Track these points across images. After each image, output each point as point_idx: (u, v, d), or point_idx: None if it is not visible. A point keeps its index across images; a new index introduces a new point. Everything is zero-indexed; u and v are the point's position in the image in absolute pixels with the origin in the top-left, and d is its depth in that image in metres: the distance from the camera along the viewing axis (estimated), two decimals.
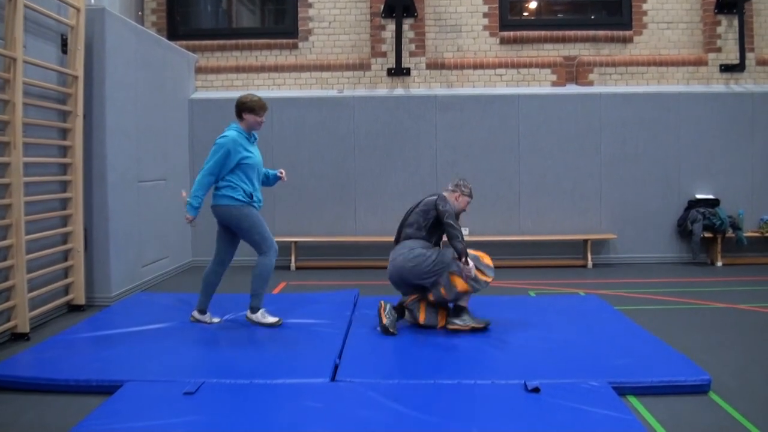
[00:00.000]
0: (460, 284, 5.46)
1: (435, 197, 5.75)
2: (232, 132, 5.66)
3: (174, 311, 6.39)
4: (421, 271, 5.49)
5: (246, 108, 5.69)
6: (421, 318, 5.69)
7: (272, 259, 5.77)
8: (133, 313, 6.31)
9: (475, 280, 5.48)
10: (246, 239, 5.78)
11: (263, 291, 5.82)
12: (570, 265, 9.37)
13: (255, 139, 5.85)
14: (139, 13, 9.93)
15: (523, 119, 9.48)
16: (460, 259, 5.42)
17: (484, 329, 5.56)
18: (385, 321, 5.49)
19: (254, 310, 5.81)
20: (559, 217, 9.56)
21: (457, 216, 5.75)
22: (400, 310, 5.74)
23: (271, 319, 5.77)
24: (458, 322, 5.55)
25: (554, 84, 9.82)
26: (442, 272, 5.47)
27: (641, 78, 9.87)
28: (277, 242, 9.50)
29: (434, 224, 5.68)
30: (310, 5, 10.05)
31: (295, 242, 9.46)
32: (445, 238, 5.69)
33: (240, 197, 5.59)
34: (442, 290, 5.50)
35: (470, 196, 5.91)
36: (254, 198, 5.69)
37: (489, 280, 5.57)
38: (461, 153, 9.56)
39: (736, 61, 9.71)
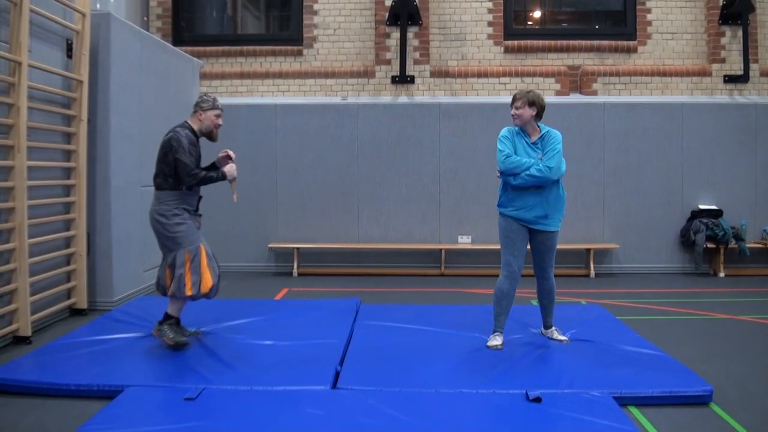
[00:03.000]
0: (188, 279, 5.16)
1: (169, 134, 5.27)
2: None
3: None
4: (161, 234, 5.27)
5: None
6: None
7: None
8: (134, 318, 6.31)
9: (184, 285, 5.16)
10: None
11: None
12: (572, 275, 9.36)
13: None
14: (145, 18, 9.96)
15: None
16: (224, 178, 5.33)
17: (180, 346, 5.24)
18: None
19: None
20: (562, 225, 9.49)
21: (210, 135, 5.44)
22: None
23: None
24: (157, 332, 5.32)
25: (558, 93, 9.82)
26: (177, 248, 5.21)
27: (645, 88, 9.87)
28: (280, 248, 9.62)
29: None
30: (315, 12, 10.07)
31: (298, 248, 9.47)
32: None
33: None
34: (167, 270, 5.24)
35: (214, 107, 5.40)
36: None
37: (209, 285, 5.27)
38: (464, 161, 9.56)
39: (740, 72, 9.71)
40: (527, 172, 5.14)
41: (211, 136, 5.46)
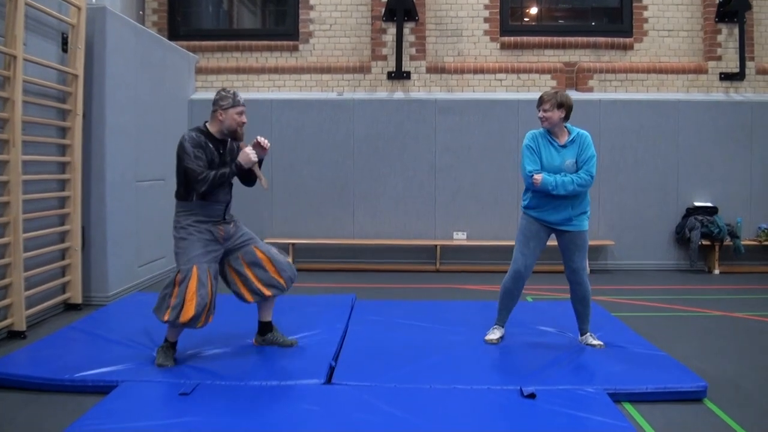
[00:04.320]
0: (171, 302, 4.71)
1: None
2: None
3: None
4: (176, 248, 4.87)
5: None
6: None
7: None
8: (129, 313, 6.30)
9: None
10: None
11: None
12: None
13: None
14: (140, 12, 9.93)
15: (523, 124, 9.47)
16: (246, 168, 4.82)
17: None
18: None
19: None
20: None
21: (235, 134, 4.91)
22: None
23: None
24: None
25: (554, 90, 9.81)
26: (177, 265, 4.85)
27: (641, 85, 9.88)
28: (275, 244, 9.58)
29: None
30: (311, 7, 10.05)
31: (293, 244, 9.46)
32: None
33: None
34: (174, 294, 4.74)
35: (235, 104, 4.83)
36: None
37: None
38: (460, 157, 9.56)
39: (736, 70, 9.72)
40: (568, 190, 5.05)
41: (235, 135, 4.91)
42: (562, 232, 5.24)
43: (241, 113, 4.88)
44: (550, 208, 5.17)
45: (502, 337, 5.41)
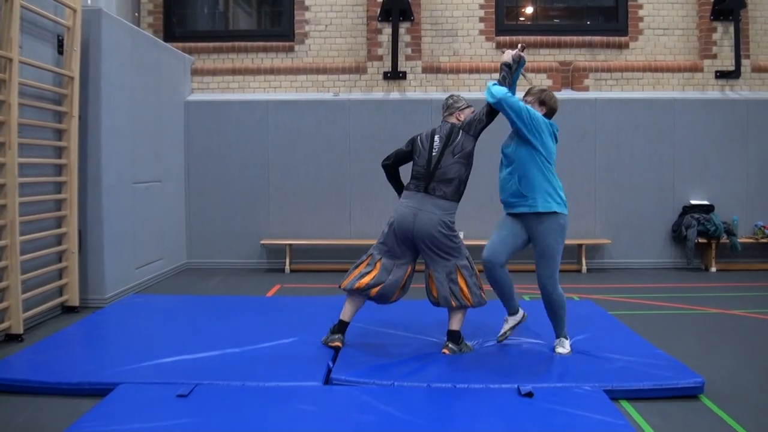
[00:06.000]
0: (464, 287, 5.12)
1: (452, 126, 5.25)
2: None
3: (168, 313, 6.39)
4: (448, 246, 5.11)
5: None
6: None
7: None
8: (127, 315, 6.30)
9: (479, 287, 5.16)
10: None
11: None
12: (564, 270, 9.29)
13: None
14: (136, 14, 9.92)
15: None
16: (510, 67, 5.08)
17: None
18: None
19: None
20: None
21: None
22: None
23: None
24: (454, 347, 5.15)
25: (550, 89, 9.81)
26: (460, 256, 5.16)
27: (637, 84, 9.89)
28: (272, 245, 9.62)
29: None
30: (306, 8, 10.05)
31: (290, 245, 9.46)
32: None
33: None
34: (449, 277, 5.11)
35: (468, 105, 5.38)
36: None
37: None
38: None
39: (732, 68, 9.74)
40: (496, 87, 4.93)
41: None
42: (522, 217, 5.07)
43: (473, 112, 5.36)
44: (501, 185, 5.18)
45: (521, 320, 5.37)
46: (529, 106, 4.99)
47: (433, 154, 5.20)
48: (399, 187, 5.52)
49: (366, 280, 5.17)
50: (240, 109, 9.68)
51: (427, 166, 5.20)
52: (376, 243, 5.33)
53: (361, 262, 5.31)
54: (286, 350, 5.17)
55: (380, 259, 5.23)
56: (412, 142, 5.42)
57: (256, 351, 5.15)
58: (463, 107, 5.35)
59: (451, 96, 5.45)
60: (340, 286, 5.26)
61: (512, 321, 5.38)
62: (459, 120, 5.30)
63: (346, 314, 5.28)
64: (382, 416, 3.89)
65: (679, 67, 9.89)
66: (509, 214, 5.17)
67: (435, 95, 9.72)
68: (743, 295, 7.73)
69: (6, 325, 5.66)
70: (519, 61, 5.14)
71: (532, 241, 5.12)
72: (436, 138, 5.25)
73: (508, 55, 5.11)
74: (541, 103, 5.10)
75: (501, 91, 4.91)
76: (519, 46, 5.19)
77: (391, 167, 5.53)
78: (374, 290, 5.15)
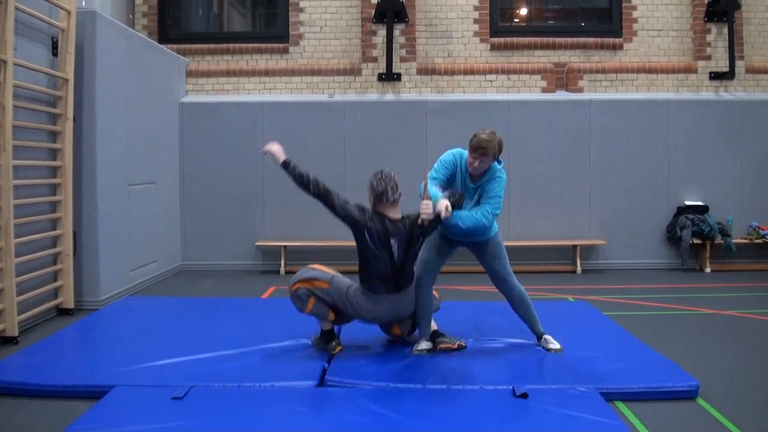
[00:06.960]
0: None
1: (403, 225, 5.06)
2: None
3: (163, 315, 6.38)
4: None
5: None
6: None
7: None
8: (122, 317, 6.29)
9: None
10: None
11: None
12: (559, 271, 9.39)
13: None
14: (130, 16, 9.91)
15: (513, 125, 9.50)
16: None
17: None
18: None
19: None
20: (549, 222, 9.59)
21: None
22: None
23: None
24: (446, 341, 5.19)
25: (544, 90, 9.85)
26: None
27: (631, 85, 9.92)
28: (267, 247, 9.61)
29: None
30: (301, 10, 10.05)
31: (285, 247, 9.46)
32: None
33: None
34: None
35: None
36: None
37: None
38: None
39: (726, 69, 9.77)
40: (467, 224, 4.88)
41: None
42: (467, 244, 5.16)
43: None
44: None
45: (429, 350, 5.18)
46: (476, 211, 4.96)
47: (395, 257, 5.03)
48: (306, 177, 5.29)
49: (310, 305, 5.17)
50: (235, 111, 9.68)
51: (392, 265, 5.05)
52: (316, 283, 5.33)
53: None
54: (281, 352, 5.17)
55: (314, 297, 5.22)
56: (363, 225, 5.29)
57: (251, 353, 5.14)
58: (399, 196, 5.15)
59: (394, 181, 5.25)
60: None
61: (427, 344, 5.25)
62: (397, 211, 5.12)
63: (325, 324, 5.24)
64: (377, 417, 3.90)
65: (674, 68, 9.91)
66: (447, 239, 5.22)
67: (430, 97, 9.72)
68: (738, 295, 7.75)
69: (1, 327, 5.65)
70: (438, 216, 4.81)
71: (481, 257, 5.25)
72: (393, 242, 5.04)
73: (441, 206, 4.74)
74: (494, 156, 5.01)
75: (471, 218, 4.90)
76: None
77: (323, 196, 5.39)
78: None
